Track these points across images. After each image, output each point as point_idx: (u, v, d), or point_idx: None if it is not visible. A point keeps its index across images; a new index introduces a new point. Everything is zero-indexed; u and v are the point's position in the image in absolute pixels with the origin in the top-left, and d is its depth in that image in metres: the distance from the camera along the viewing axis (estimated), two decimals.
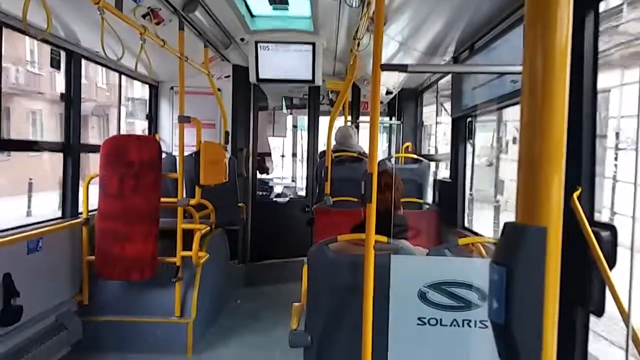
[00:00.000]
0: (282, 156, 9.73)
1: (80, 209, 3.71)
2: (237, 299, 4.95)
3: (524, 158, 0.63)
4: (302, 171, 7.77)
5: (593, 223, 1.57)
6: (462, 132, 3.84)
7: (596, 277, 1.54)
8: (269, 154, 7.55)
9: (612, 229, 1.54)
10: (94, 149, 3.89)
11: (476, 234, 3.63)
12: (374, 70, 1.73)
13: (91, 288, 3.63)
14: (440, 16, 3.26)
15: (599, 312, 1.60)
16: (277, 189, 7.90)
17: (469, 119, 3.79)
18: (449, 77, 4.55)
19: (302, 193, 6.84)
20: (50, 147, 4.04)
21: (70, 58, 3.63)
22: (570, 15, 0.62)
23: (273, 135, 8.07)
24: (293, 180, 9.03)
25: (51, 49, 3.45)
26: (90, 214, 3.65)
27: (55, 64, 3.49)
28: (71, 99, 3.69)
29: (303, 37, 4.70)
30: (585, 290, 1.57)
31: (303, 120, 7.73)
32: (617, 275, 1.48)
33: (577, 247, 1.52)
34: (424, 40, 3.73)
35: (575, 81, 1.61)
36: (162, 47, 3.46)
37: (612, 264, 1.49)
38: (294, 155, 9.27)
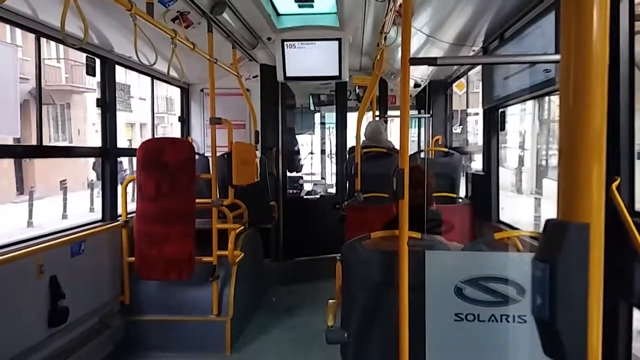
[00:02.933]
0: (311, 153, 9.75)
1: (119, 212, 3.82)
2: (273, 296, 5.01)
3: (564, 151, 0.63)
4: (331, 168, 7.78)
5: (634, 213, 1.53)
6: (494, 123, 3.77)
7: (638, 268, 1.51)
8: (298, 152, 7.59)
9: None
10: (130, 152, 4.00)
11: (511, 227, 3.57)
12: (403, 64, 1.72)
13: (132, 288, 3.74)
14: (468, 5, 3.20)
15: None
16: (307, 187, 7.94)
17: (500, 110, 3.72)
18: (478, 67, 4.47)
19: (332, 190, 6.86)
20: (89, 152, 4.17)
21: (104, 64, 3.73)
22: (608, 2, 0.61)
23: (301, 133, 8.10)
24: (323, 178, 9.05)
25: (86, 57, 3.56)
26: (128, 216, 3.76)
27: (90, 70, 3.60)
28: (107, 105, 3.80)
29: (329, 33, 4.69)
30: (628, 283, 1.53)
31: (331, 117, 7.73)
32: None
33: (617, 238, 1.48)
34: (452, 31, 3.68)
35: (611, 68, 1.57)
36: (192, 50, 3.52)
37: None
38: (323, 152, 9.28)
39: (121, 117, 22.37)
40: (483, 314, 1.65)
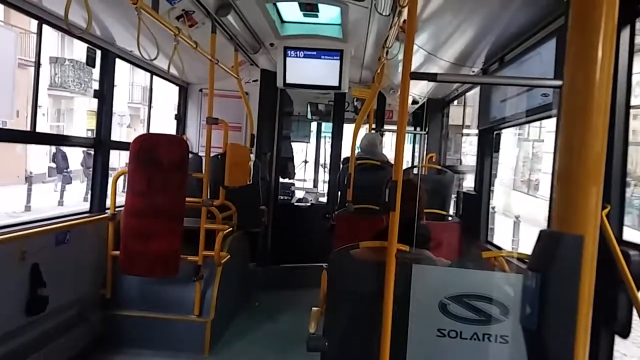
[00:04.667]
0: (305, 162, 9.77)
1: (108, 205, 3.79)
2: (256, 301, 4.97)
3: (562, 168, 0.64)
4: (324, 177, 7.78)
5: (621, 242, 1.54)
6: (488, 144, 3.80)
7: (623, 297, 1.51)
8: (292, 159, 7.59)
9: None
10: (124, 146, 3.98)
11: (499, 248, 3.58)
12: (404, 77, 1.73)
13: (114, 282, 3.70)
14: (470, 27, 3.24)
15: (625, 334, 1.56)
16: (299, 194, 7.93)
17: (495, 132, 3.75)
18: (476, 89, 4.51)
19: (324, 199, 6.85)
20: (83, 142, 4.15)
21: (105, 57, 3.72)
22: (614, 32, 0.63)
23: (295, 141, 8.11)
24: (315, 186, 9.05)
25: (87, 47, 3.55)
26: (117, 209, 3.73)
27: (90, 61, 3.59)
28: (104, 97, 3.79)
29: (331, 44, 4.73)
30: (612, 311, 1.54)
31: (327, 126, 7.75)
32: None
33: (604, 265, 1.49)
34: (453, 50, 3.72)
35: None
36: (195, 49, 3.53)
37: None
38: (317, 161, 9.30)
39: (83, 104, 19.90)
40: (466, 331, 1.65)
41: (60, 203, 15.19)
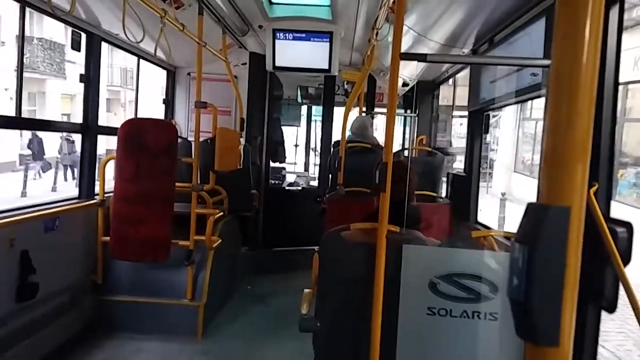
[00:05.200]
0: (296, 146, 9.75)
1: (97, 190, 3.77)
2: (248, 285, 5.00)
3: (549, 146, 0.64)
4: (315, 160, 7.78)
5: (609, 219, 1.56)
6: (478, 126, 3.81)
7: (609, 273, 1.54)
8: (282, 143, 7.57)
9: (628, 225, 1.53)
10: (111, 131, 3.94)
11: (489, 229, 3.62)
12: (394, 58, 1.72)
13: (105, 268, 3.69)
14: (460, 7, 3.22)
15: (611, 309, 1.59)
16: (290, 178, 7.92)
17: (485, 113, 3.76)
18: (466, 71, 4.51)
19: (315, 183, 6.84)
20: (69, 127, 4.09)
21: (90, 40, 3.66)
22: (602, 9, 0.63)
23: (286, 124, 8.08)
24: (306, 170, 9.05)
25: (72, 31, 3.49)
26: (106, 195, 3.70)
27: (75, 45, 3.52)
28: (90, 81, 3.73)
29: (321, 26, 4.68)
30: (597, 287, 1.57)
31: (318, 110, 7.72)
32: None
33: (591, 242, 1.51)
34: (443, 31, 3.70)
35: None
36: (182, 32, 3.47)
37: (626, 260, 1.48)
38: (308, 144, 9.28)
39: (55, 86, 18.10)
40: (455, 309, 1.67)
41: (24, 194, 13.57)
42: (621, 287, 1.49)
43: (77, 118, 3.83)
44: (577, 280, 0.62)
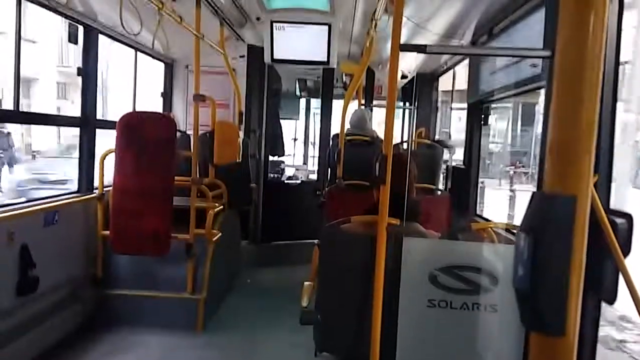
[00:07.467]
0: (295, 139, 9.72)
1: (96, 184, 3.76)
2: (248, 278, 5.00)
3: (554, 137, 0.64)
4: (314, 154, 7.76)
5: (609, 210, 1.56)
6: (477, 118, 3.80)
7: (609, 264, 1.54)
8: (281, 136, 7.55)
9: (628, 217, 1.53)
10: (110, 124, 3.92)
11: (488, 221, 3.62)
12: (393, 50, 1.71)
13: (105, 262, 3.69)
14: None
15: (611, 300, 1.59)
16: (289, 172, 7.91)
17: (484, 105, 3.75)
18: (465, 62, 4.49)
19: (314, 176, 6.84)
20: (68, 121, 4.08)
21: (87, 33, 3.63)
22: (607, 2, 0.62)
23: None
24: (305, 163, 9.04)
25: (69, 24, 3.46)
26: (105, 189, 3.69)
27: (72, 38, 3.50)
28: (88, 74, 3.71)
29: (319, 17, 4.65)
30: (598, 278, 1.57)
31: (316, 103, 7.69)
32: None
33: (591, 233, 1.51)
34: (442, 23, 3.69)
35: None
36: (179, 24, 3.45)
37: (626, 252, 1.48)
38: (307, 138, 9.26)
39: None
40: (455, 301, 1.67)
41: None
42: (621, 278, 1.49)
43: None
44: (583, 269, 0.62)
